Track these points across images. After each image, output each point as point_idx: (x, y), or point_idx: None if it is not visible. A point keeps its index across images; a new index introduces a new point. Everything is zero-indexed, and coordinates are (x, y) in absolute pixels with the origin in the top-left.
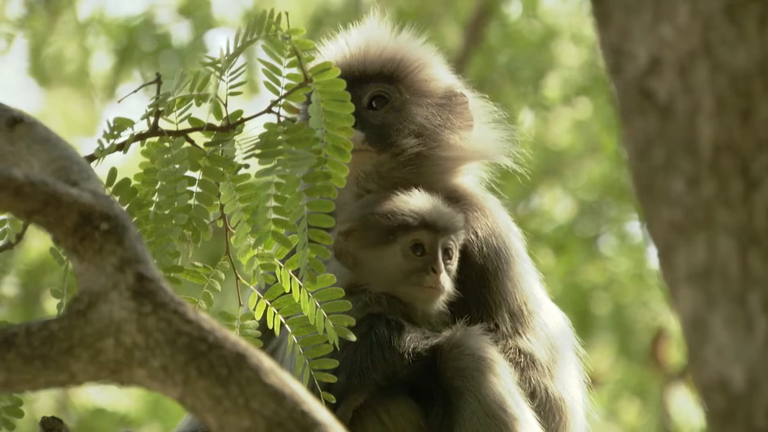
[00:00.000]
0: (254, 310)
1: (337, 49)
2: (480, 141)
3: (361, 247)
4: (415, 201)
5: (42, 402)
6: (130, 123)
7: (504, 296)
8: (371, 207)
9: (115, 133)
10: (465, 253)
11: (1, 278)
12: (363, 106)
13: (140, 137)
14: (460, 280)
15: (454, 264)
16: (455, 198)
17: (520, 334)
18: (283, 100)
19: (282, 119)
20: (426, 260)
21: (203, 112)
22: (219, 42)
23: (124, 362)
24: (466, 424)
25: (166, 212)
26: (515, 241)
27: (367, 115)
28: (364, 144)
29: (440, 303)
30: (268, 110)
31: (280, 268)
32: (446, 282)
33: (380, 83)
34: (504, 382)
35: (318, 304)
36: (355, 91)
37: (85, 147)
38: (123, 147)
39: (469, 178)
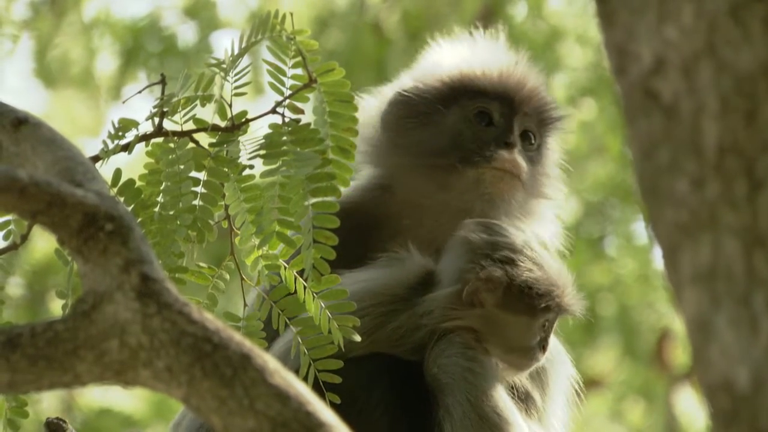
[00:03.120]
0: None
1: (491, 62)
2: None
3: (496, 303)
4: (560, 278)
5: (47, 403)
6: (134, 124)
7: None
8: (519, 269)
9: (120, 133)
10: None
11: (6, 279)
12: (517, 134)
13: (145, 138)
14: None
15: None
16: None
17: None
18: (287, 101)
19: (286, 120)
20: (543, 336)
21: (208, 113)
22: (225, 43)
23: (129, 363)
24: (458, 425)
25: (171, 213)
26: None
27: (521, 146)
28: (524, 174)
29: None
30: (273, 111)
31: (285, 268)
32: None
33: (528, 118)
34: (496, 384)
35: (323, 305)
36: (508, 116)
37: (89, 148)
38: (128, 148)
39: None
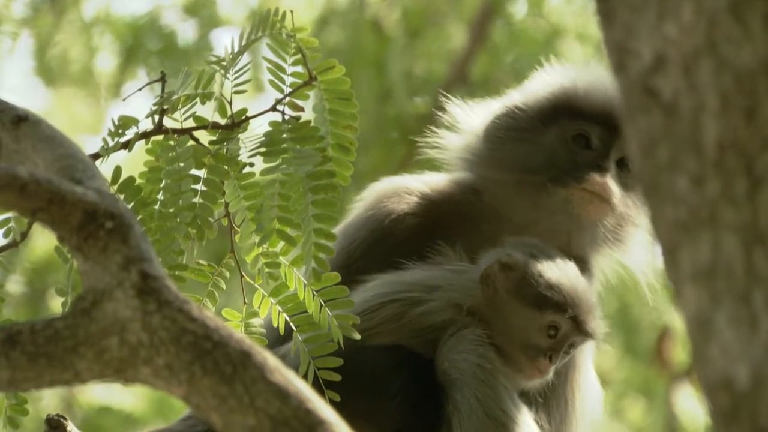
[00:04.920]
0: (259, 308)
1: (597, 86)
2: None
3: (508, 289)
4: (579, 290)
5: (47, 400)
6: (134, 121)
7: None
8: (539, 263)
9: (120, 131)
10: None
11: (7, 276)
12: (613, 159)
13: (145, 135)
14: None
15: (569, 356)
16: None
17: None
18: (287, 99)
19: (286, 117)
20: (552, 344)
21: (208, 111)
22: (225, 41)
23: (129, 360)
24: (465, 421)
25: (171, 210)
26: None
27: (615, 172)
28: (616, 199)
29: (532, 384)
30: (273, 108)
31: (285, 266)
32: (551, 373)
33: (627, 145)
34: (504, 382)
35: (323, 303)
36: (607, 142)
37: (89, 145)
38: (128, 145)
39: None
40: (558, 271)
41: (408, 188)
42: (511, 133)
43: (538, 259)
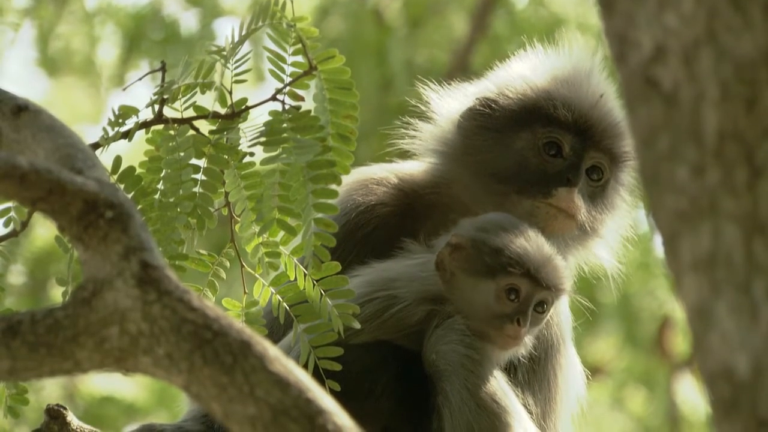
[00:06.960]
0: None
1: (574, 90)
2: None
3: (462, 267)
4: (529, 246)
5: (49, 390)
6: (135, 111)
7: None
8: (485, 233)
9: (120, 121)
10: None
11: (7, 267)
12: (584, 169)
13: (145, 125)
14: None
15: (544, 317)
16: None
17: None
18: (288, 88)
19: (287, 107)
20: (516, 308)
21: (208, 100)
22: (227, 31)
23: (129, 350)
24: (456, 413)
25: (171, 200)
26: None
27: (585, 181)
28: (581, 214)
29: (512, 353)
30: (273, 98)
31: (285, 255)
32: (526, 336)
33: (600, 153)
34: (493, 371)
35: (323, 292)
36: (579, 150)
37: (90, 135)
38: (128, 135)
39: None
40: (503, 234)
41: (376, 178)
42: (483, 133)
43: (485, 229)
